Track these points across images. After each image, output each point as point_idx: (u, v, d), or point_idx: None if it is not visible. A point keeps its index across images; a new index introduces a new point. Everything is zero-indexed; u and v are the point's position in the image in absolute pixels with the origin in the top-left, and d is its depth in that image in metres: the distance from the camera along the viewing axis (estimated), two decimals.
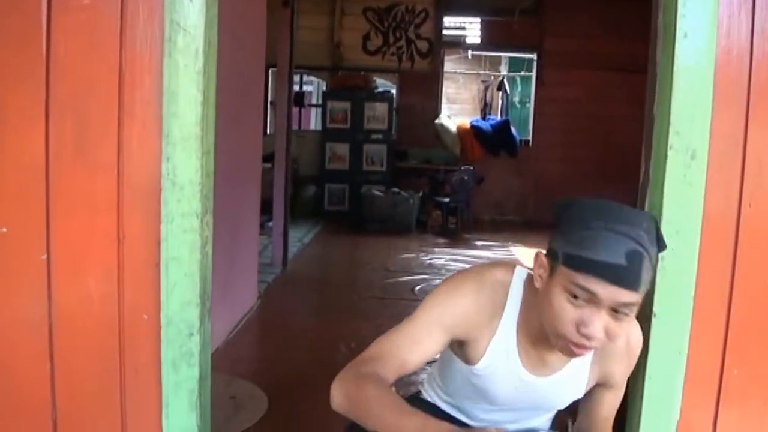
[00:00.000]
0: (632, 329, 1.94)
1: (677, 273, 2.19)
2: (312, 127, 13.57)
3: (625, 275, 1.61)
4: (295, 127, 10.35)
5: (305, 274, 7.05)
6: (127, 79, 2.21)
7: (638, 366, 2.29)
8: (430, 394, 2.20)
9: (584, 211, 1.70)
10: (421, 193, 10.46)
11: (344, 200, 10.60)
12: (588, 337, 1.67)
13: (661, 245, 1.73)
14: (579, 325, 1.67)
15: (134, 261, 2.30)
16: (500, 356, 1.90)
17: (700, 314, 2.24)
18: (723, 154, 2.20)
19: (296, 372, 4.16)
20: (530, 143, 11.40)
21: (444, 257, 8.03)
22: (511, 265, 1.94)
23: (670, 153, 2.15)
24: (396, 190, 10.33)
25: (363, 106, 10.48)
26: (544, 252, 1.78)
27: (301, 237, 8.82)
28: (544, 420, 2.11)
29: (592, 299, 1.65)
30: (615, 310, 1.66)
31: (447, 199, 10.16)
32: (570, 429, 2.24)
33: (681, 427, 2.28)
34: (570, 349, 1.72)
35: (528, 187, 11.12)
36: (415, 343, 1.82)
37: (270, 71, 9.71)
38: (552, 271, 1.72)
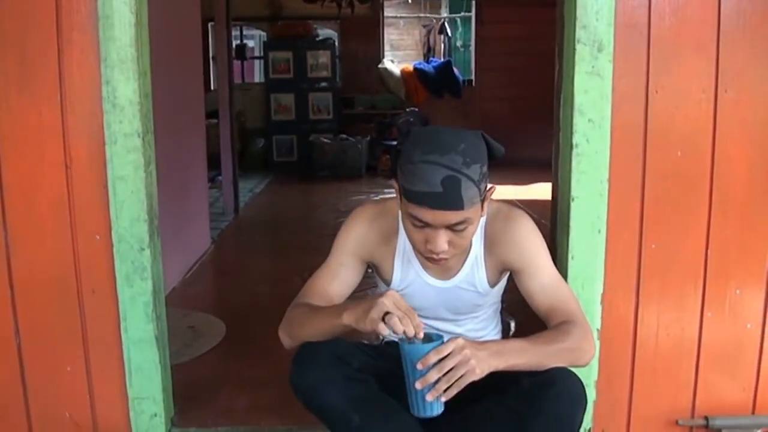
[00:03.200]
0: (510, 222, 2.08)
1: (592, 158, 2.37)
2: (256, 79, 13.54)
3: (444, 200, 1.81)
4: (238, 80, 10.36)
5: (258, 220, 7.17)
6: (64, 8, 2.31)
7: (562, 247, 2.49)
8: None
9: (410, 143, 1.88)
10: (369, 138, 10.57)
11: (293, 150, 10.65)
12: (435, 253, 1.91)
13: (494, 153, 1.91)
14: (426, 243, 1.90)
15: (83, 184, 2.42)
16: (408, 271, 2.12)
17: (616, 195, 2.42)
18: (628, 44, 2.36)
19: (252, 303, 4.32)
20: (473, 83, 11.54)
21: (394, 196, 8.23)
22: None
23: (578, 47, 2.31)
24: (344, 136, 10.41)
25: (305, 55, 10.49)
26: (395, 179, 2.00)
27: (251, 188, 8.90)
28: (479, 322, 2.26)
29: (427, 224, 1.86)
30: (450, 228, 1.87)
31: (395, 142, 10.28)
32: (512, 329, 2.41)
33: (606, 300, 2.48)
34: (430, 262, 1.98)
35: (474, 126, 11.21)
36: (333, 276, 2.10)
37: (209, 25, 9.70)
38: (400, 197, 1.93)
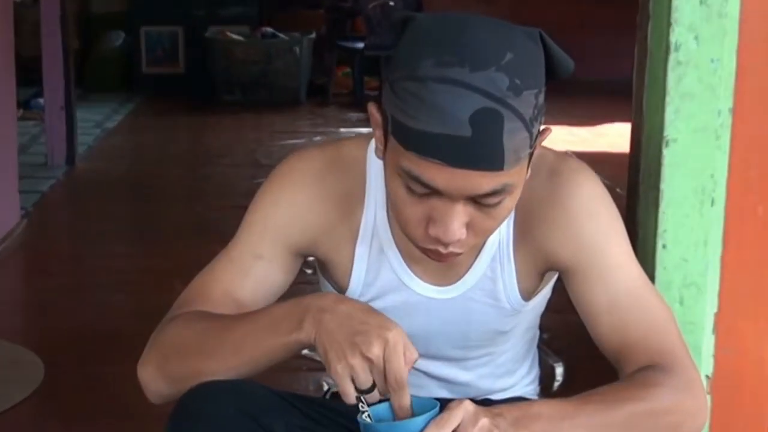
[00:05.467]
0: (560, 182, 2.06)
1: (703, 71, 2.38)
2: None
3: (474, 151, 1.74)
4: None
5: (109, 178, 7.17)
6: None
7: (645, 230, 2.51)
8: None
9: (416, 38, 1.80)
10: (314, 36, 10.56)
11: (176, 55, 10.64)
12: (441, 242, 1.85)
13: (556, 69, 1.84)
14: (428, 224, 1.85)
15: None
16: (378, 269, 2.13)
17: (745, 138, 2.44)
18: None
19: (94, 326, 4.36)
20: None
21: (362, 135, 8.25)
22: (369, 135, 2.11)
23: None
24: (269, 31, 10.42)
25: None
26: (377, 104, 1.93)
27: (101, 120, 8.89)
28: (502, 364, 2.26)
29: (435, 191, 1.80)
30: (475, 200, 1.81)
31: (360, 45, 10.26)
32: (557, 377, 2.44)
33: (721, 324, 2.50)
34: (429, 256, 1.93)
35: (500, 17, 11.26)
36: (243, 273, 2.09)
37: None
38: (385, 137, 1.88)
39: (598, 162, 3.57)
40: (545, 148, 2.04)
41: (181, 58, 10.61)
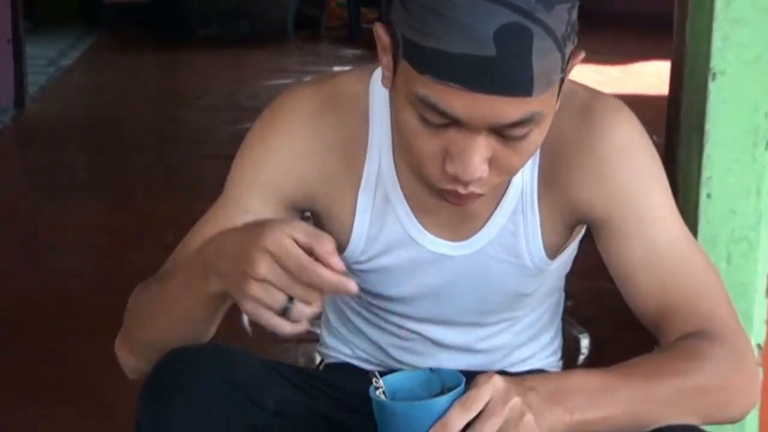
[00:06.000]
0: (593, 120, 2.05)
1: None
2: None
3: (498, 73, 1.73)
4: None
5: (65, 122, 7.17)
6: None
7: (686, 177, 2.50)
8: (335, 350, 2.38)
9: None
10: None
11: None
12: (460, 181, 1.84)
13: None
14: (446, 160, 1.84)
15: None
16: (383, 221, 2.14)
17: None
18: None
19: (45, 292, 4.34)
20: None
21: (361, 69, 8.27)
22: (369, 68, 2.15)
23: None
24: None
25: None
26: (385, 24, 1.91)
27: (55, 56, 8.90)
28: (521, 332, 2.28)
29: (454, 120, 1.79)
30: (499, 132, 1.81)
31: None
32: (583, 350, 2.43)
33: None
34: (447, 198, 1.94)
35: None
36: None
37: None
38: (395, 61, 1.87)
39: (631, 105, 3.51)
40: (575, 83, 2.04)
41: None
